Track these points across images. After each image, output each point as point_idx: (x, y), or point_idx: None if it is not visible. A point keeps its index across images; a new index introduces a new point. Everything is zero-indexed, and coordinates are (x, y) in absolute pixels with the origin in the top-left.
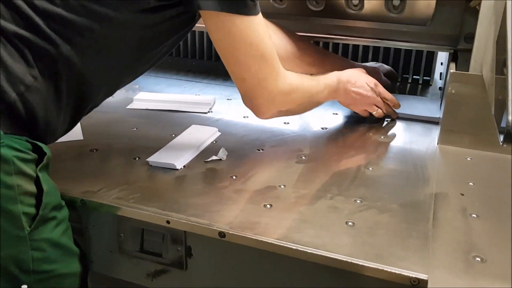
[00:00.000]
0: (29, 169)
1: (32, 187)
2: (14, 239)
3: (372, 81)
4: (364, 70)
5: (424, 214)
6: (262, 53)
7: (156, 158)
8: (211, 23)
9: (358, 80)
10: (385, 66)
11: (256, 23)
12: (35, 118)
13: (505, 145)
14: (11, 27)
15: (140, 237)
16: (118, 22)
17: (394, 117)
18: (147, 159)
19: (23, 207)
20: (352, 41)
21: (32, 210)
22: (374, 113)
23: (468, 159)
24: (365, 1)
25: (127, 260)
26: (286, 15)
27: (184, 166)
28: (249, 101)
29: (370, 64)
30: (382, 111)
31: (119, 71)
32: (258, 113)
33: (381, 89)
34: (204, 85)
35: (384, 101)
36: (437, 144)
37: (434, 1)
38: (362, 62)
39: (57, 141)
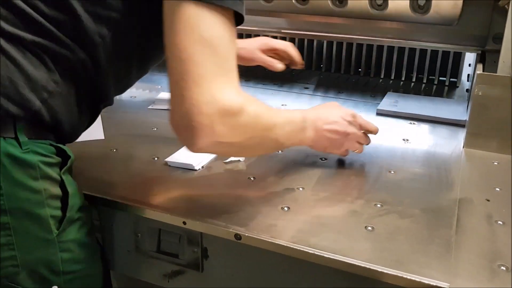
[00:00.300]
0: (54, 172)
1: (57, 190)
2: (43, 242)
3: (347, 113)
4: (336, 103)
5: (447, 220)
6: (214, 49)
7: (175, 159)
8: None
9: (330, 115)
10: (278, 41)
11: (220, 16)
12: (59, 122)
13: None
14: (28, 35)
15: (157, 237)
16: (122, 20)
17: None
18: (166, 159)
19: (51, 211)
20: (376, 41)
21: (58, 213)
22: (355, 151)
23: (495, 163)
24: (389, 1)
25: (144, 260)
26: (307, 15)
27: (202, 167)
28: (177, 121)
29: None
30: (363, 148)
31: (129, 68)
32: (188, 141)
33: (361, 119)
34: None
35: (366, 137)
36: (463, 147)
37: (461, 1)
38: (387, 63)
39: (79, 140)
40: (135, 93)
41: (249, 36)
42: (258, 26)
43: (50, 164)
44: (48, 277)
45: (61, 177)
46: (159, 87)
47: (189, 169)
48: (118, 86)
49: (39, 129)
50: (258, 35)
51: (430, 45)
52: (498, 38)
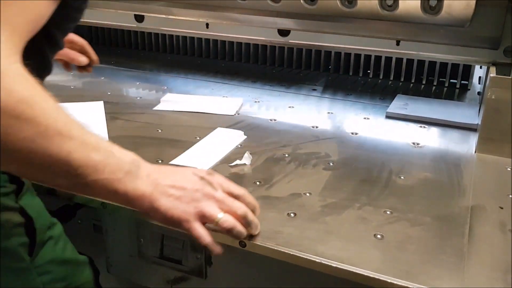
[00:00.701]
0: (11, 201)
1: (19, 218)
2: (19, 272)
3: (201, 170)
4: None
5: (459, 229)
6: None
7: (180, 162)
8: None
9: (176, 169)
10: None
11: None
12: None
13: None
14: None
15: (160, 243)
16: None
17: (253, 233)
18: (170, 162)
19: (17, 239)
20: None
21: (26, 239)
22: (219, 219)
23: (508, 169)
24: (399, 1)
25: (147, 265)
26: (316, 16)
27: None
28: None
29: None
30: (233, 219)
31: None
32: None
33: (221, 179)
34: (232, 87)
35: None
36: (475, 152)
37: (474, 1)
38: (396, 64)
39: None
40: (141, 93)
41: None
42: (266, 26)
43: (5, 194)
44: None
45: (19, 204)
46: (165, 88)
47: None
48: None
49: None
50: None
51: (439, 56)
52: (510, 51)
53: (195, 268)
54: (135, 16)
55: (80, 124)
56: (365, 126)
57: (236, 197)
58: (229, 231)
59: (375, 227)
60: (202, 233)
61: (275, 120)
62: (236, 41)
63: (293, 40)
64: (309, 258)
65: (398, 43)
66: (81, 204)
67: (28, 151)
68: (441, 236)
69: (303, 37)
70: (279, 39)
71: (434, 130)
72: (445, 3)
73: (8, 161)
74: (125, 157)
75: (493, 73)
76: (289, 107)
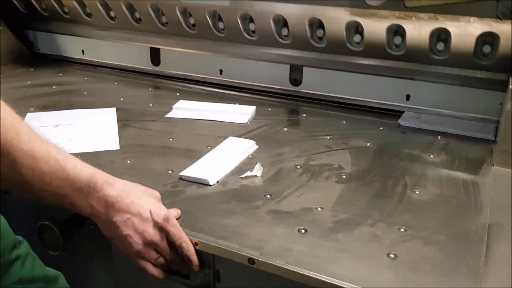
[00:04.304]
0: None
1: None
2: None
3: (161, 211)
4: (157, 194)
5: (476, 248)
6: None
7: (189, 173)
8: None
9: (136, 199)
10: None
11: None
12: None
13: None
14: None
15: None
16: None
17: (184, 273)
18: (180, 173)
19: None
20: None
21: None
22: (156, 259)
23: None
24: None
25: (154, 280)
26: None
27: (217, 182)
28: None
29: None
30: (164, 266)
31: None
32: None
33: (174, 229)
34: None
35: (170, 251)
36: (493, 166)
37: None
38: None
39: (92, 150)
40: (153, 101)
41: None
42: (280, 60)
43: None
44: None
45: None
46: (177, 94)
47: (203, 184)
48: None
49: None
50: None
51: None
52: None
53: (203, 284)
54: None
55: (31, 138)
56: (379, 137)
57: (179, 246)
58: (155, 274)
59: (388, 245)
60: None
61: (287, 129)
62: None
63: (304, 89)
64: (319, 278)
65: (408, 98)
66: None
67: None
68: (456, 256)
69: (314, 86)
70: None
71: (451, 142)
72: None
73: None
74: (81, 175)
75: (511, 84)
76: (303, 115)
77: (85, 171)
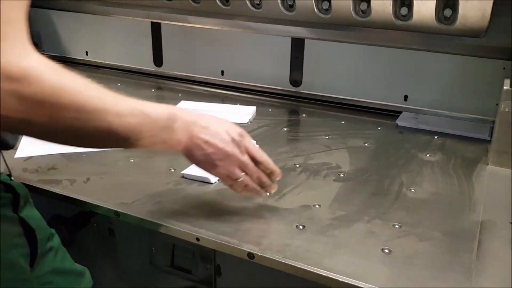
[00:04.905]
0: (9, 211)
1: (18, 228)
2: (20, 283)
3: (235, 130)
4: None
5: (468, 244)
6: None
7: (191, 171)
8: None
9: (212, 124)
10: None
11: None
12: None
13: None
14: None
15: (171, 252)
16: None
17: (272, 192)
18: (183, 172)
19: (18, 251)
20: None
21: (26, 250)
22: (240, 177)
23: None
24: (414, 11)
25: (158, 274)
26: (330, 25)
27: (218, 180)
28: None
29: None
30: (251, 182)
31: None
32: None
33: (250, 143)
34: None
35: (256, 165)
36: (488, 165)
37: (489, 11)
38: None
39: (97, 151)
40: (156, 101)
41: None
42: (280, 34)
43: (2, 205)
44: None
45: (18, 215)
46: (179, 95)
47: (205, 182)
48: None
49: None
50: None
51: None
52: None
53: (204, 278)
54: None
55: (112, 95)
56: (377, 137)
57: (258, 162)
58: (245, 189)
59: (384, 241)
60: (230, 184)
61: (287, 128)
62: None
63: (304, 90)
64: (316, 272)
65: (406, 99)
66: (96, 212)
67: (76, 129)
68: (449, 252)
69: (314, 87)
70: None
71: (447, 142)
72: (460, 13)
73: (63, 139)
74: (161, 114)
75: (507, 86)
76: (303, 116)
77: (163, 110)
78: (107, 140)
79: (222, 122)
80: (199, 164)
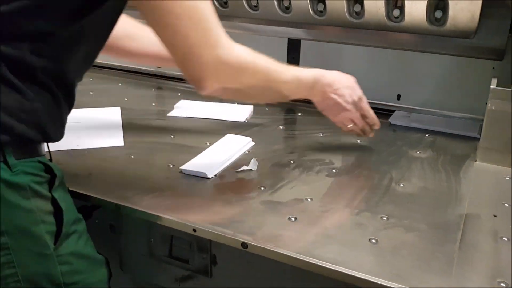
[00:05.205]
0: (44, 190)
1: (49, 207)
2: (42, 257)
3: (357, 94)
4: (353, 79)
5: (452, 236)
6: (198, 24)
7: (189, 167)
8: (143, 8)
9: (341, 88)
10: None
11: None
12: (44, 131)
13: None
14: None
15: (169, 243)
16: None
17: (369, 136)
18: (181, 167)
19: (45, 227)
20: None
21: (53, 228)
22: (349, 126)
23: (507, 178)
24: (405, 13)
25: (157, 264)
26: (325, 27)
27: (215, 175)
28: (185, 72)
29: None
30: (358, 130)
31: (89, 60)
32: (198, 87)
33: (365, 105)
34: None
35: (363, 119)
36: (476, 161)
37: (478, 13)
38: None
39: (99, 146)
40: (156, 101)
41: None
42: (277, 36)
43: (39, 183)
44: None
45: (52, 194)
46: (179, 94)
47: (202, 177)
48: (82, 75)
49: (27, 148)
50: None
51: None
52: None
53: (201, 268)
54: None
55: (282, 67)
56: None
57: (365, 116)
58: (349, 131)
59: (371, 232)
60: (340, 126)
61: (283, 127)
62: None
63: None
64: (306, 260)
65: (398, 98)
66: (97, 205)
67: (259, 89)
68: (434, 243)
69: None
70: None
71: (438, 139)
72: (450, 15)
73: (249, 95)
74: (309, 79)
75: (493, 85)
76: (299, 114)
77: (310, 75)
78: (275, 97)
79: (349, 85)
80: (324, 111)
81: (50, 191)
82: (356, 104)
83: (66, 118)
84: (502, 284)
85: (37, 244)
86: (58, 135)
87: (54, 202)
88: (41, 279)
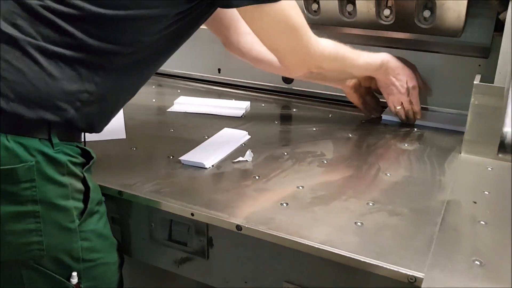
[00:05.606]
0: (78, 170)
1: (80, 186)
2: (67, 230)
3: (413, 83)
4: (414, 67)
5: (433, 219)
6: (292, 28)
7: (188, 157)
8: (247, 16)
9: (401, 74)
10: None
11: (284, 4)
12: (91, 124)
13: (500, 155)
14: (66, 52)
15: (168, 227)
16: (154, 20)
17: (410, 123)
18: (180, 158)
19: (74, 203)
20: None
21: (80, 205)
22: (398, 108)
23: (489, 169)
24: (395, 13)
25: (157, 247)
26: (319, 25)
27: (212, 166)
28: (283, 64)
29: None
30: (403, 113)
31: (150, 69)
32: (290, 73)
33: (415, 94)
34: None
35: (410, 105)
36: (461, 153)
37: (464, 13)
38: None
39: (102, 139)
40: (156, 97)
41: None
42: None
43: (75, 164)
44: (69, 263)
45: (83, 174)
46: (178, 91)
47: (200, 167)
48: (144, 82)
49: (70, 133)
50: None
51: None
52: None
53: (198, 250)
54: None
55: (356, 54)
56: (361, 130)
57: (412, 103)
58: (397, 115)
59: (357, 216)
60: (390, 105)
61: (278, 122)
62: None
63: (296, 87)
64: (295, 240)
65: None
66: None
67: (336, 72)
68: (415, 225)
69: (305, 84)
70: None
71: (426, 133)
72: (438, 14)
73: (327, 77)
74: (376, 63)
75: (477, 80)
76: (294, 110)
77: (377, 60)
78: (346, 77)
79: (409, 74)
80: (381, 88)
81: (82, 172)
82: (409, 91)
83: (114, 115)
84: (476, 262)
85: (65, 218)
86: (100, 129)
87: (84, 182)
88: (62, 251)
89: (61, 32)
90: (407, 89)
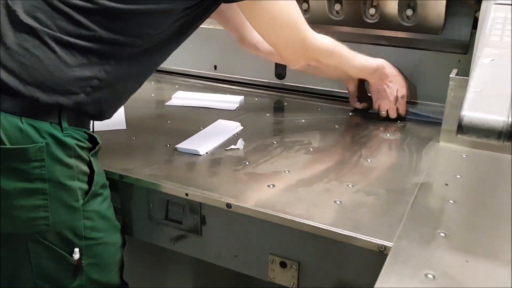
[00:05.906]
0: (84, 154)
1: (86, 168)
2: (71, 209)
3: (402, 92)
4: (405, 80)
5: (406, 198)
6: (289, 23)
7: (184, 145)
8: (246, 11)
9: (394, 82)
10: None
11: (283, 2)
12: (101, 110)
13: (459, 135)
14: (81, 42)
15: (165, 207)
16: (165, 12)
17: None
18: (176, 145)
19: (79, 184)
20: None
21: (85, 186)
22: (383, 112)
23: (464, 156)
24: (380, 12)
25: (155, 226)
26: (309, 24)
27: (206, 153)
28: (281, 56)
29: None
30: (385, 115)
31: (167, 54)
32: (288, 64)
33: (403, 103)
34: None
35: (396, 110)
36: (438, 142)
37: (443, 12)
38: None
39: (104, 129)
40: (155, 92)
41: None
42: None
43: (82, 148)
44: (72, 240)
45: (89, 158)
46: (176, 87)
47: (195, 154)
48: (151, 71)
49: (80, 118)
50: None
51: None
52: None
53: (192, 227)
54: None
55: (351, 54)
56: (348, 121)
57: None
58: (381, 115)
59: (337, 195)
60: (377, 108)
61: (269, 114)
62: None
63: (288, 82)
64: (279, 215)
65: None
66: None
67: (332, 68)
68: (389, 203)
69: (297, 79)
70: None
71: (408, 124)
72: (419, 13)
73: (324, 71)
74: (372, 66)
75: (453, 74)
76: (285, 104)
77: (373, 64)
78: (342, 76)
79: (401, 83)
80: (372, 92)
81: (89, 156)
82: (397, 99)
83: (122, 103)
84: (441, 234)
85: (70, 197)
86: (109, 116)
87: (90, 166)
88: (66, 228)
89: (76, 24)
90: (396, 97)
